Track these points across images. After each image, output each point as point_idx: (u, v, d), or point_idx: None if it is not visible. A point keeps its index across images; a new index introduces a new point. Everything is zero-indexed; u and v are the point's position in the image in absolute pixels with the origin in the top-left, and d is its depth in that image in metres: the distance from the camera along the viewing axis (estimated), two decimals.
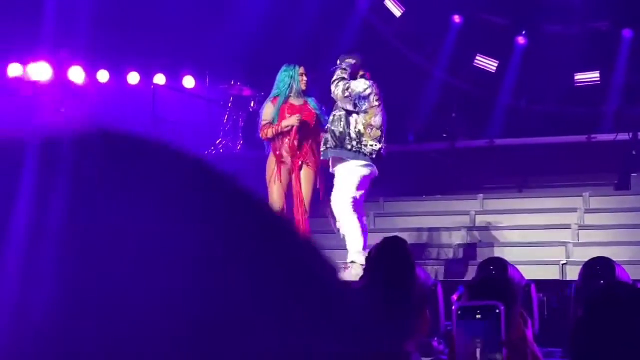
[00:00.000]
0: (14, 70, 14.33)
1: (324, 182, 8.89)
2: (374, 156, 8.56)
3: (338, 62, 8.85)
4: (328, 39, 14.63)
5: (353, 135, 8.50)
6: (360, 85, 8.57)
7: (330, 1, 14.79)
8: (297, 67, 8.88)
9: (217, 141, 14.42)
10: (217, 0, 14.60)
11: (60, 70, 14.48)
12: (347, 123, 8.54)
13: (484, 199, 11.05)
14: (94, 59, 14.64)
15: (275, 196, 8.78)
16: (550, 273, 9.29)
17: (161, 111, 14.87)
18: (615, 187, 11.50)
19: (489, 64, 14.87)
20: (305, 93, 8.87)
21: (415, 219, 10.88)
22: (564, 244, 9.83)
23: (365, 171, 8.57)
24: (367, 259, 3.60)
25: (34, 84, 14.28)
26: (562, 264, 9.42)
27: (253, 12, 14.32)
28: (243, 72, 14.58)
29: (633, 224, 10.10)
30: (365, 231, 8.68)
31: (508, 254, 9.65)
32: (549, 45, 14.31)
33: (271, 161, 8.90)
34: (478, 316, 2.60)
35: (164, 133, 14.64)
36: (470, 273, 9.31)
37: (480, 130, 13.88)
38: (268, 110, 8.90)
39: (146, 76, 15.18)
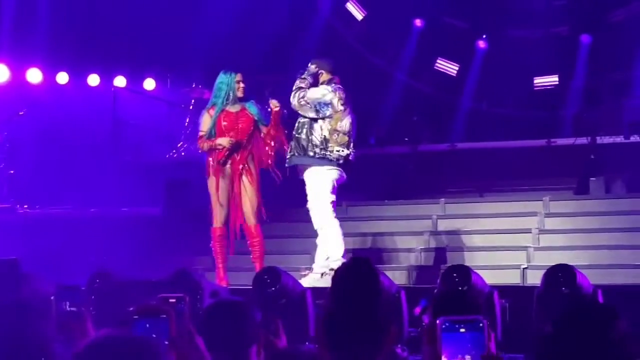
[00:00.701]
0: None
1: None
2: (340, 162, 8.59)
3: (308, 65, 8.87)
4: (291, 42, 14.69)
5: (317, 142, 8.55)
6: (319, 92, 8.61)
7: (293, 4, 14.82)
8: (233, 74, 8.89)
9: (179, 144, 14.41)
10: (180, 2, 14.58)
11: (18, 72, 14.39)
12: (311, 130, 8.59)
13: (445, 203, 11.14)
14: (53, 60, 14.57)
15: (216, 203, 8.81)
16: (512, 277, 9.40)
17: (122, 114, 14.82)
18: (574, 191, 11.66)
19: (449, 67, 14.99)
20: (243, 99, 8.89)
21: (378, 223, 10.95)
22: (524, 248, 9.95)
23: (335, 175, 8.62)
24: (332, 280, 3.64)
25: None
26: (524, 268, 9.54)
27: (216, 15, 14.32)
28: (205, 76, 14.55)
29: (592, 228, 10.24)
30: None
31: (470, 259, 9.78)
32: (510, 49, 14.45)
33: (210, 168, 8.92)
34: (462, 330, 2.67)
35: (125, 136, 14.61)
36: (434, 278, 9.39)
37: (442, 134, 14.00)
38: (205, 121, 8.92)
39: (106, 78, 15.11)
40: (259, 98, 9.16)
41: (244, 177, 8.74)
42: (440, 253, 10.18)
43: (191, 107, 14.51)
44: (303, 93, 8.57)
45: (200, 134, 8.94)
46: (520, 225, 10.39)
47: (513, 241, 10.18)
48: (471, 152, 13.05)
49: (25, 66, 14.48)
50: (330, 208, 8.62)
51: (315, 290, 7.07)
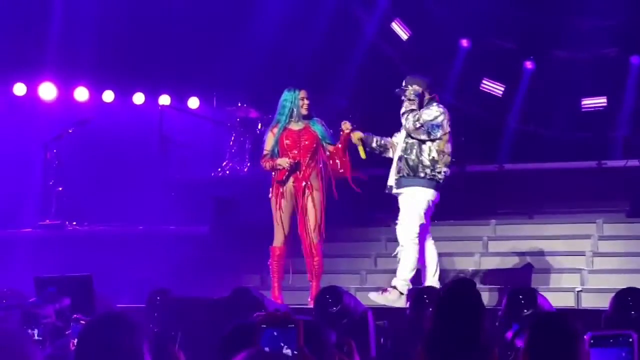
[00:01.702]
0: (19, 89, 14.36)
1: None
2: (442, 182, 8.64)
3: (404, 83, 8.81)
4: (336, 62, 14.69)
5: (427, 162, 8.52)
6: (432, 113, 8.53)
7: (337, 24, 14.82)
8: (297, 92, 8.87)
9: (224, 163, 14.44)
10: (225, 22, 14.64)
11: (65, 90, 14.51)
12: (420, 151, 8.54)
13: (496, 224, 11.07)
14: (99, 79, 14.67)
15: (278, 222, 8.80)
16: (566, 300, 9.31)
17: (168, 132, 14.88)
18: (627, 213, 11.54)
19: (495, 88, 14.93)
20: (307, 117, 8.87)
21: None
22: (578, 270, 9.86)
23: (433, 197, 8.64)
24: (437, 300, 3.61)
25: (40, 103, 14.31)
26: (578, 291, 9.45)
27: (261, 35, 14.36)
28: (250, 95, 14.61)
29: None
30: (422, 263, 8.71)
31: (523, 281, 9.70)
32: (557, 70, 14.37)
33: (274, 187, 8.90)
34: (612, 344, 2.66)
35: (170, 154, 14.67)
36: (487, 299, 9.32)
37: (490, 155, 13.91)
38: (269, 141, 8.91)
39: (152, 97, 15.19)
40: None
41: (307, 195, 8.71)
42: (492, 274, 10.10)
43: (237, 127, 14.55)
44: (418, 116, 8.49)
45: (264, 152, 8.91)
46: (573, 248, 10.30)
47: (566, 263, 10.09)
48: (520, 174, 12.96)
49: (73, 84, 14.60)
50: (416, 232, 8.58)
51: (376, 311, 7.03)
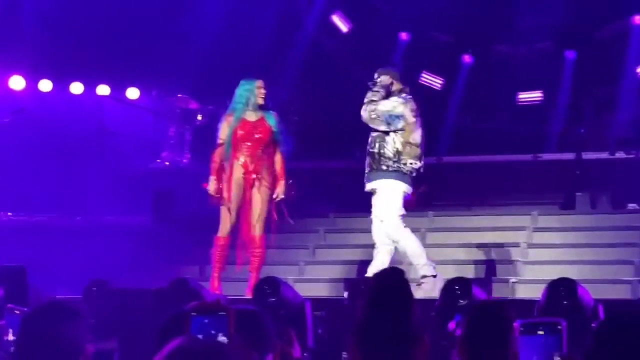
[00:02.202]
0: None
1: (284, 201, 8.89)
2: (413, 174, 8.53)
3: (375, 75, 8.78)
4: (277, 54, 14.71)
5: (390, 154, 8.44)
6: (389, 104, 8.46)
7: (279, 16, 14.84)
8: (254, 81, 8.89)
9: (163, 154, 14.39)
10: (166, 12, 14.56)
11: (0, 79, 14.32)
12: (384, 143, 8.47)
13: (434, 216, 11.20)
14: (36, 68, 14.50)
15: (225, 212, 8.81)
16: (500, 291, 9.45)
17: (107, 122, 14.76)
18: (561, 206, 11.75)
19: (434, 81, 15.06)
20: (264, 107, 8.88)
21: (365, 236, 10.97)
22: (512, 262, 10.02)
23: (406, 189, 8.55)
24: (367, 291, 3.67)
25: None
26: (512, 282, 9.60)
27: (202, 26, 14.32)
28: (190, 86, 14.57)
29: (579, 243, 10.34)
30: None
31: (458, 273, 9.81)
32: (495, 64, 14.55)
33: (223, 177, 8.90)
34: (541, 332, 2.73)
35: (109, 144, 14.57)
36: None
37: (428, 148, 14.01)
38: (223, 129, 8.89)
39: (90, 87, 15.05)
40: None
41: (256, 187, 8.74)
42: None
43: (176, 118, 14.51)
44: (374, 106, 8.46)
45: (219, 141, 8.87)
46: (508, 239, 10.46)
47: (501, 255, 10.25)
48: (458, 166, 13.11)
49: (8, 73, 14.41)
50: (400, 222, 8.54)
51: (314, 302, 7.09)
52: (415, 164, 8.50)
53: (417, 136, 8.54)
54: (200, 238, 10.38)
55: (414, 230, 10.73)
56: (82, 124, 14.47)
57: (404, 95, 8.61)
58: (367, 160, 8.62)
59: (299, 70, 14.62)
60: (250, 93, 8.79)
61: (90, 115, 14.63)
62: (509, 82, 14.24)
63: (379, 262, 8.66)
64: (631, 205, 11.21)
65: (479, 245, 10.45)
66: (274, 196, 8.77)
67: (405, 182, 8.52)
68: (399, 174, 8.45)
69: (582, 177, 11.94)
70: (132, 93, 15.39)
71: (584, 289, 6.54)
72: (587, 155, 12.35)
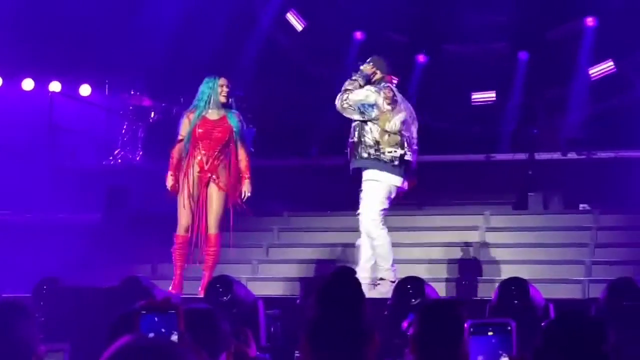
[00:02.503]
0: None
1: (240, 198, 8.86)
2: (395, 163, 8.29)
3: (366, 61, 8.60)
4: (232, 51, 14.67)
5: (370, 142, 8.28)
6: (362, 93, 8.31)
7: (234, 13, 14.81)
8: (217, 79, 8.84)
9: (116, 152, 14.30)
10: (120, 8, 14.47)
11: None
12: (363, 132, 8.31)
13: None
14: None
15: (183, 209, 8.76)
16: (453, 293, 9.50)
17: (58, 119, 14.64)
18: (513, 206, 11.84)
19: None
20: (227, 106, 8.85)
21: (321, 234, 10.99)
22: (465, 261, 10.07)
23: (393, 182, 8.33)
24: (318, 290, 3.67)
25: None
26: (465, 282, 9.66)
27: (156, 22, 14.24)
28: (144, 83, 14.49)
29: (531, 243, 10.41)
30: None
31: (411, 272, 9.86)
32: (449, 64, 14.63)
33: (179, 174, 8.84)
34: (490, 333, 2.74)
35: (61, 141, 14.45)
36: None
37: None
38: (184, 126, 8.81)
39: (41, 83, 14.92)
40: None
41: (211, 186, 8.71)
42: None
43: (129, 115, 14.43)
44: (347, 95, 8.32)
45: (179, 137, 8.79)
46: (461, 239, 10.52)
47: (455, 254, 10.30)
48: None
49: None
50: (379, 216, 8.36)
51: (267, 300, 7.09)
52: (395, 151, 8.27)
53: (394, 124, 8.30)
54: (154, 236, 10.33)
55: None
56: (33, 120, 14.35)
57: (382, 84, 8.44)
58: (348, 150, 8.49)
59: (254, 67, 14.59)
60: (212, 91, 8.75)
61: (42, 111, 14.50)
62: (463, 82, 14.33)
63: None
64: (582, 206, 11.32)
65: (432, 245, 10.50)
66: (241, 194, 8.74)
67: (388, 172, 8.30)
68: (379, 163, 8.26)
69: (535, 178, 12.05)
70: (85, 90, 15.28)
71: (535, 288, 6.60)
72: (540, 156, 12.47)
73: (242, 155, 8.80)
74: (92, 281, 9.11)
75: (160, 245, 9.31)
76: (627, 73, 14.28)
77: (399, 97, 8.53)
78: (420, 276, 9.16)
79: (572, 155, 12.53)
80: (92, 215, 11.90)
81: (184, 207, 8.70)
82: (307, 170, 12.80)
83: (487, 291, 8.80)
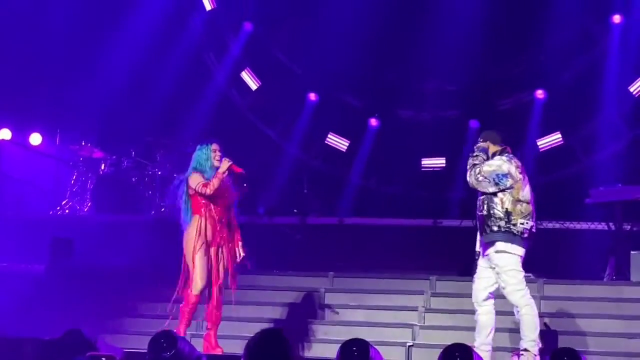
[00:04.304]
0: None
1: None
2: (525, 235, 8.23)
3: (480, 138, 8.61)
4: (183, 106, 14.70)
5: (500, 214, 8.21)
6: (494, 164, 8.29)
7: (189, 69, 14.87)
8: (210, 145, 8.94)
9: (64, 202, 14.18)
10: (74, 58, 14.45)
11: None
12: (492, 204, 8.26)
13: (334, 277, 11.23)
14: None
15: (201, 269, 8.73)
16: (397, 355, 9.50)
17: (6, 167, 14.51)
18: (458, 272, 11.87)
19: (340, 143, 15.21)
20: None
21: (267, 293, 10.95)
22: (410, 326, 10.08)
23: (522, 252, 8.28)
24: (246, 350, 3.65)
25: None
26: (409, 346, 9.66)
27: (111, 75, 14.24)
28: (95, 134, 14.44)
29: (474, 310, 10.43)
30: None
31: (355, 334, 9.84)
32: (400, 129, 14.77)
33: (192, 235, 8.80)
34: None
35: (7, 190, 14.31)
36: (321, 351, 9.44)
37: (331, 208, 14.15)
38: (198, 177, 8.81)
39: None
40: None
41: (221, 248, 8.85)
42: (326, 327, 10.23)
43: (79, 166, 14.35)
44: (479, 169, 8.28)
45: (204, 182, 8.74)
46: (406, 303, 10.54)
47: (399, 318, 10.31)
48: (359, 228, 13.21)
49: None
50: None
51: (210, 357, 7.03)
52: (527, 223, 8.23)
53: (526, 193, 8.30)
54: (98, 289, 10.23)
55: (313, 291, 10.82)
56: None
57: (506, 154, 8.44)
58: (477, 223, 8.46)
59: (207, 123, 14.60)
60: (208, 157, 8.83)
61: None
62: (414, 147, 14.45)
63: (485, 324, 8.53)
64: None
65: (377, 308, 10.50)
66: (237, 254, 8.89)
67: (517, 244, 8.23)
68: (510, 235, 8.20)
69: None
70: (35, 138, 15.17)
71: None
72: None
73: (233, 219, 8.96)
74: (34, 332, 8.96)
75: (104, 299, 9.20)
76: (574, 146, 14.51)
77: (524, 167, 8.52)
78: (364, 339, 9.20)
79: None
80: (36, 265, 11.76)
81: (203, 266, 8.69)
82: (255, 228, 12.77)
83: (429, 357, 8.81)
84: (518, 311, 8.36)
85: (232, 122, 14.83)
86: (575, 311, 10.19)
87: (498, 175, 8.26)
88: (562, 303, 10.46)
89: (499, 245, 8.26)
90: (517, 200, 8.24)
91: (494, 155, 8.45)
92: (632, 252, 10.93)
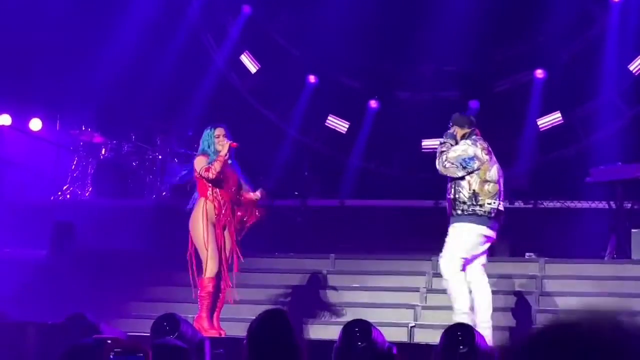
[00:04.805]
0: None
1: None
2: (492, 215, 8.34)
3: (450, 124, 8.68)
4: (185, 90, 14.67)
5: (464, 198, 8.33)
6: (459, 149, 8.40)
7: (188, 53, 14.83)
8: (214, 129, 8.91)
9: (64, 187, 14.17)
10: (74, 43, 14.42)
11: None
12: (459, 188, 8.39)
13: (335, 259, 11.23)
14: None
15: (212, 252, 8.73)
16: (399, 335, 9.51)
17: (7, 153, 14.50)
18: None
19: (340, 125, 15.19)
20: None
21: (268, 276, 10.96)
22: (412, 306, 10.09)
23: (481, 232, 8.38)
24: (249, 331, 3.63)
25: None
26: (411, 327, 9.67)
27: (111, 60, 14.21)
28: (95, 119, 14.42)
29: None
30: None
31: (357, 315, 9.86)
32: (400, 111, 14.74)
33: (198, 218, 8.80)
34: None
35: (8, 175, 14.30)
36: (323, 332, 9.45)
37: (332, 191, 14.14)
38: (202, 160, 8.80)
39: None
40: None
41: (225, 231, 8.88)
42: (328, 308, 10.24)
43: (80, 150, 14.34)
44: (445, 156, 8.40)
45: (207, 166, 8.71)
46: (408, 284, 10.55)
47: (401, 299, 10.32)
48: (360, 210, 13.20)
49: None
50: (454, 264, 8.41)
51: (213, 340, 7.02)
52: (494, 202, 8.34)
53: (493, 173, 8.42)
54: (100, 273, 10.23)
55: (315, 273, 10.82)
56: None
57: (472, 137, 8.53)
58: (447, 207, 8.60)
59: (206, 107, 14.57)
60: (212, 142, 8.82)
61: None
62: (413, 128, 14.43)
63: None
64: (528, 254, 11.41)
65: (380, 289, 10.51)
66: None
67: (480, 225, 8.35)
68: (473, 217, 8.32)
69: None
70: (35, 124, 15.16)
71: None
72: None
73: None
74: (37, 317, 8.97)
75: (106, 283, 9.20)
76: (574, 125, 14.49)
77: (490, 148, 8.61)
78: (366, 320, 9.21)
79: (518, 204, 12.65)
80: (38, 250, 11.76)
81: (214, 250, 8.76)
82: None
83: (432, 337, 8.82)
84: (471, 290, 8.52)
85: (232, 105, 14.79)
86: (576, 290, 10.20)
87: (465, 160, 8.38)
88: (563, 282, 10.48)
89: (458, 224, 8.42)
90: (485, 181, 8.35)
91: (462, 138, 8.55)
92: (632, 230, 10.94)
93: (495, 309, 9.84)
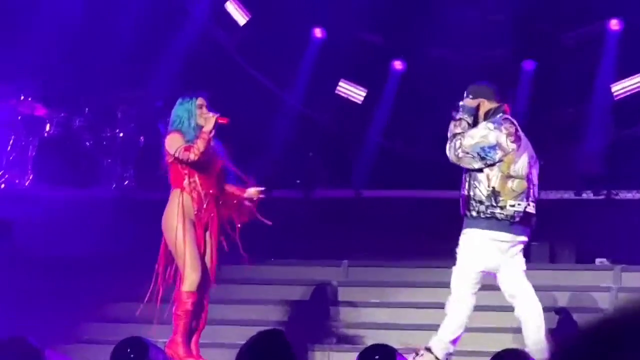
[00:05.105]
0: None
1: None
2: (516, 219, 8.33)
3: (465, 94, 8.66)
4: (154, 50, 14.70)
5: (482, 197, 8.32)
6: (478, 134, 8.36)
7: (156, 6, 14.81)
8: (194, 99, 9.00)
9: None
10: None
11: None
12: (475, 181, 8.39)
13: (349, 266, 11.32)
14: None
15: (192, 259, 8.82)
16: None
17: None
18: None
19: (355, 92, 15.22)
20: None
21: (263, 289, 11.09)
22: None
23: (495, 237, 8.39)
24: (239, 354, 3.79)
25: None
26: (447, 354, 9.78)
27: (60, 15, 14.26)
28: (37, 87, 14.49)
29: None
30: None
31: (378, 339, 9.98)
32: (433, 74, 14.72)
33: (172, 215, 8.89)
34: None
35: None
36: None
37: (344, 178, 14.20)
38: (178, 138, 8.88)
39: None
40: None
41: (209, 231, 8.98)
42: (339, 329, 10.37)
43: (18, 126, 14.45)
44: (459, 142, 8.36)
45: (185, 145, 8.79)
46: (439, 299, 10.63)
47: (431, 318, 10.41)
48: (381, 203, 13.17)
49: None
50: (470, 278, 8.52)
51: None
52: (519, 204, 8.32)
53: (520, 166, 8.39)
54: (43, 279, 10.35)
55: (322, 284, 10.93)
56: None
57: (498, 116, 8.50)
58: (460, 204, 8.61)
59: (182, 70, 14.61)
60: (190, 114, 8.89)
61: None
62: (449, 97, 14.46)
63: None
64: (600, 260, 11.47)
65: (404, 305, 10.66)
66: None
67: (503, 231, 8.37)
68: (492, 222, 8.34)
69: (539, 223, 12.17)
70: None
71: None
72: (547, 195, 12.59)
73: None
74: None
75: (53, 297, 9.33)
76: None
77: (521, 132, 8.56)
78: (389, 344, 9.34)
79: (588, 195, 12.71)
80: None
81: (194, 256, 8.83)
82: None
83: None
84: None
85: (216, 68, 14.84)
86: None
87: (484, 149, 8.33)
88: None
89: (472, 231, 8.44)
90: (508, 176, 8.31)
91: (486, 115, 8.49)
92: None
93: (553, 330, 9.96)
